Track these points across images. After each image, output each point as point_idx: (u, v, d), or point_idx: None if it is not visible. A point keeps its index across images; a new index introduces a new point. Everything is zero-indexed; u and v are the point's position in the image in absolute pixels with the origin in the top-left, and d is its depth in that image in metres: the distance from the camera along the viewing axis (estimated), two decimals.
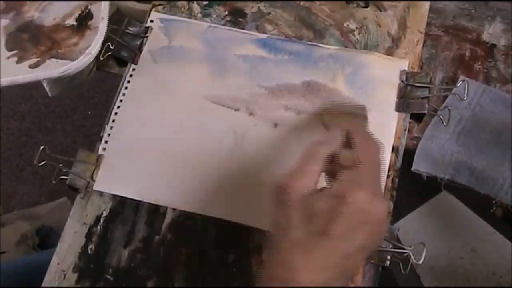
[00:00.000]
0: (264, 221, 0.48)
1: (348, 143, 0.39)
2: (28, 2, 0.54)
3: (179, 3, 0.58)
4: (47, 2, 0.54)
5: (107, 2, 0.52)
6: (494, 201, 0.50)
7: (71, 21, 0.53)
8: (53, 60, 0.51)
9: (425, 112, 0.51)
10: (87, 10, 0.52)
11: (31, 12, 0.54)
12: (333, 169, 0.39)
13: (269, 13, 0.57)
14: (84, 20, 0.52)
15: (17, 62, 0.51)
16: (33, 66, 0.51)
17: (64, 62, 0.51)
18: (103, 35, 0.51)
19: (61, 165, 0.49)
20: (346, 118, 0.48)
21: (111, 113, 0.53)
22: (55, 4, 0.54)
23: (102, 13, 0.51)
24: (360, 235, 0.35)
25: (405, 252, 0.45)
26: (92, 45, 0.50)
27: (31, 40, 0.52)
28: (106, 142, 0.52)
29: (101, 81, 1.29)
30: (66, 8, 0.54)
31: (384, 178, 0.39)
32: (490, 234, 1.02)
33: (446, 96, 0.53)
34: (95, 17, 0.52)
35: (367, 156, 0.38)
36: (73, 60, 0.50)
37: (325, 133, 0.41)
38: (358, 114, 0.48)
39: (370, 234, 0.36)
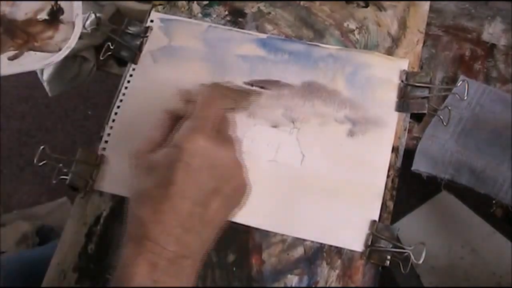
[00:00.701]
0: (264, 221, 0.48)
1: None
2: None
3: (179, 3, 0.58)
4: None
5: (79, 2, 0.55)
6: (494, 201, 0.50)
7: (43, 15, 0.56)
8: (31, 52, 0.53)
9: (425, 112, 0.51)
10: (57, 6, 0.56)
11: (2, 7, 0.56)
12: None
13: (269, 13, 0.57)
14: (56, 15, 0.56)
15: None
16: (12, 58, 0.53)
17: (43, 54, 0.53)
18: (80, 29, 0.53)
19: (61, 165, 0.49)
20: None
21: (111, 113, 0.53)
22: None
23: (75, 10, 0.54)
24: (206, 179, 0.35)
25: (405, 252, 0.45)
26: (71, 39, 0.52)
27: (6, 33, 0.54)
28: (106, 142, 0.52)
29: (101, 81, 1.28)
30: (36, 3, 0.57)
31: (232, 129, 0.40)
32: (490, 234, 1.02)
33: (446, 96, 0.53)
34: (66, 11, 0.56)
35: (206, 104, 0.38)
36: (50, 52, 0.53)
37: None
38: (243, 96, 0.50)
39: (219, 178, 0.35)
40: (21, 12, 0.56)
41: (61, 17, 0.55)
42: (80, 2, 0.54)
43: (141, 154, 0.37)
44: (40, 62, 0.52)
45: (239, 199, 0.39)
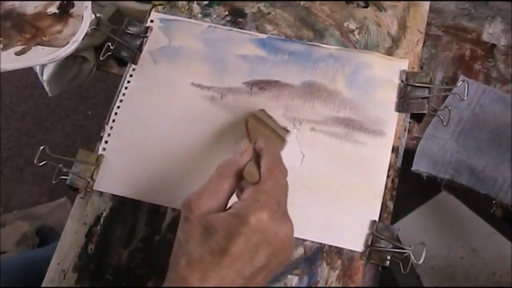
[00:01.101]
0: None
1: (258, 161, 0.40)
2: None
3: (179, 3, 0.58)
4: None
5: None
6: (494, 201, 0.50)
7: (53, 9, 0.54)
8: (39, 47, 0.52)
9: (425, 112, 0.51)
10: None
11: (11, 1, 0.54)
12: (243, 186, 0.39)
13: (269, 13, 0.57)
14: (66, 8, 0.54)
15: (3, 49, 0.51)
16: (19, 53, 0.51)
17: (50, 49, 0.51)
18: (88, 22, 0.52)
19: (61, 165, 0.49)
20: (266, 133, 0.48)
21: (111, 113, 0.53)
22: None
23: (85, 1, 0.53)
24: (261, 255, 0.35)
25: (405, 252, 0.45)
26: (79, 33, 0.51)
27: (15, 27, 0.53)
28: (106, 142, 0.52)
29: (101, 81, 1.29)
30: None
31: (286, 200, 0.40)
32: (490, 234, 1.02)
33: (446, 96, 0.53)
34: (76, 5, 0.54)
35: (272, 177, 0.38)
36: (58, 47, 0.51)
37: (237, 147, 0.42)
38: (279, 134, 0.49)
39: (272, 254, 0.36)
40: (31, 5, 0.54)
41: (71, 10, 0.54)
42: None
43: (198, 210, 0.37)
44: (46, 57, 0.51)
45: (280, 270, 0.39)
